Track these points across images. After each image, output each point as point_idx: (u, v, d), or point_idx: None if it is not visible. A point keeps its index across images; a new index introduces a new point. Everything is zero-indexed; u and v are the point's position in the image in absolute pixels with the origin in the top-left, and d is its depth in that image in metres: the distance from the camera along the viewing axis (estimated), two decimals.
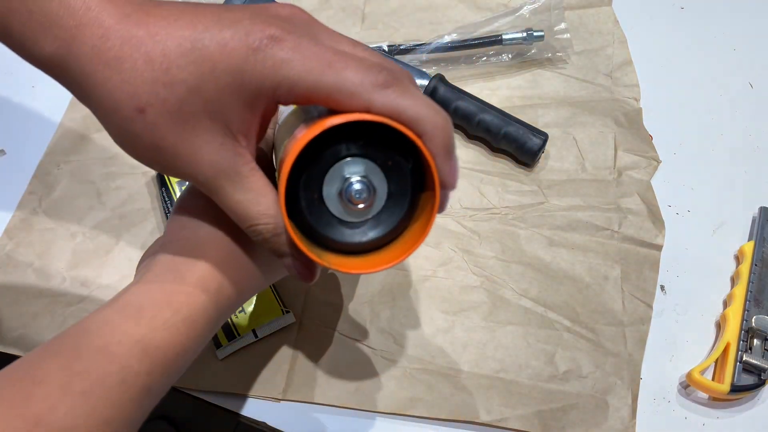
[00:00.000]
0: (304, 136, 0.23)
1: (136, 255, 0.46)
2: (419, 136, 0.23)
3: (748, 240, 0.46)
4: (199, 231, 0.30)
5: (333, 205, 0.25)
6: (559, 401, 0.40)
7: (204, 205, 0.30)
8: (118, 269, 0.46)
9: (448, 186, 0.25)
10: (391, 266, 0.25)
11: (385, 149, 0.24)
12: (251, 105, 0.24)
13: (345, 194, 0.24)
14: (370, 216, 0.25)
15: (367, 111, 0.23)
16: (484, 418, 0.39)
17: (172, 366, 0.27)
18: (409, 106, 0.23)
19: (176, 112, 0.23)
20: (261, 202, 0.26)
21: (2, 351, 0.42)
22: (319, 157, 0.24)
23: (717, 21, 0.58)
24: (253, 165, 0.26)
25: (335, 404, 0.40)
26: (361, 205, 0.24)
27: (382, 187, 0.25)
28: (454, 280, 0.45)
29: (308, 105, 0.27)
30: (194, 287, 0.28)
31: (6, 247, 0.47)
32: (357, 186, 0.24)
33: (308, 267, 0.28)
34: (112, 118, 0.24)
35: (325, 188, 0.25)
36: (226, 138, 0.25)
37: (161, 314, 0.27)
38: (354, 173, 0.24)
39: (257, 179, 0.26)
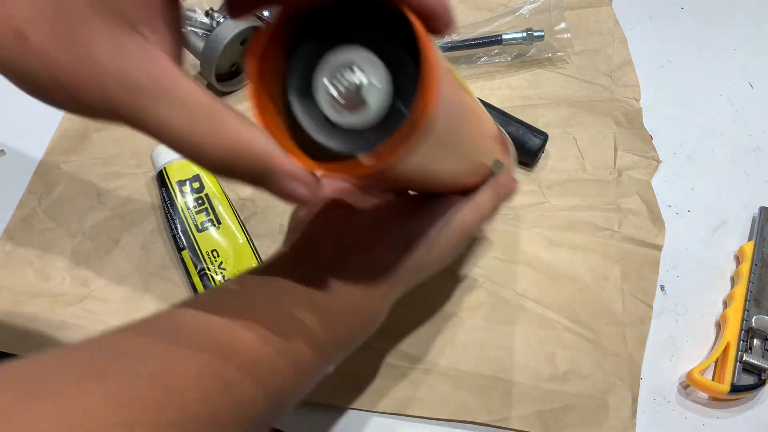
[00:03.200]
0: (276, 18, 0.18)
1: (136, 255, 0.46)
2: None
3: (748, 240, 0.46)
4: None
5: (326, 106, 0.20)
6: (559, 401, 0.40)
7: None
8: (118, 269, 0.46)
9: (434, 14, 0.19)
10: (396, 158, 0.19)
11: (384, 32, 0.19)
12: None
13: (332, 88, 0.19)
14: (372, 120, 0.20)
15: None
16: (484, 418, 0.39)
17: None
18: None
19: (56, 19, 0.17)
20: (196, 114, 0.18)
21: (2, 351, 0.42)
22: (301, 45, 0.20)
23: (717, 21, 0.58)
24: (171, 66, 0.19)
25: (335, 404, 0.40)
26: (350, 101, 0.19)
27: (383, 82, 0.19)
28: (455, 280, 0.44)
29: None
30: (383, 299, 0.28)
31: (6, 246, 0.47)
32: (342, 78, 0.19)
33: (298, 176, 0.20)
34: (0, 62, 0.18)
35: (314, 85, 0.20)
36: (124, 36, 0.18)
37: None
38: (341, 63, 0.19)
39: (184, 84, 0.18)
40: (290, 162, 0.19)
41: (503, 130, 0.38)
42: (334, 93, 0.19)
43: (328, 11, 0.19)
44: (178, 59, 0.20)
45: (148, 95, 0.18)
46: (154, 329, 0.23)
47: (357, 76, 0.19)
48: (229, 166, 0.19)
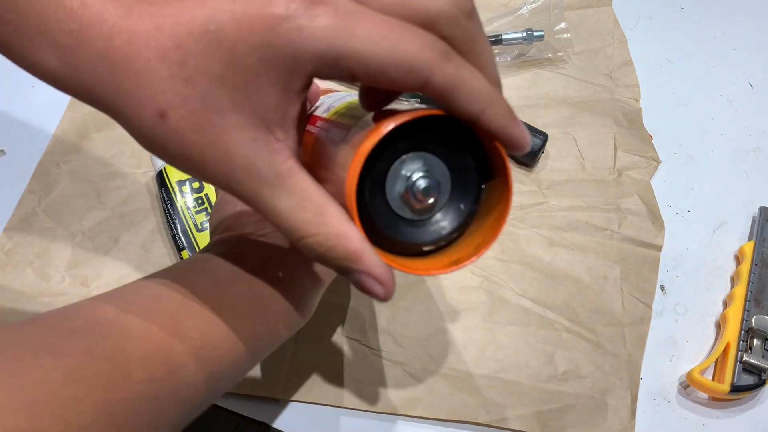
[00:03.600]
0: (369, 137, 0.21)
1: (136, 255, 0.46)
2: (479, 114, 0.21)
3: (748, 240, 0.46)
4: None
5: (397, 206, 0.23)
6: (558, 401, 0.40)
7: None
8: (117, 269, 0.46)
9: (522, 147, 0.22)
10: (472, 262, 0.23)
11: (444, 138, 0.22)
12: (285, 86, 0.20)
13: (411, 193, 0.22)
14: (436, 212, 0.23)
15: (424, 87, 0.20)
16: (483, 418, 0.39)
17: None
18: (468, 81, 0.20)
19: (200, 110, 0.20)
20: (307, 207, 0.22)
21: None
22: (378, 156, 0.22)
23: (717, 21, 0.58)
24: (293, 163, 0.22)
25: (335, 404, 0.40)
26: (430, 200, 0.22)
27: (445, 180, 0.23)
28: (454, 280, 0.44)
29: (348, 94, 0.25)
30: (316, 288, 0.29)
31: (5, 246, 0.47)
32: (422, 183, 0.22)
33: (382, 279, 0.23)
34: (134, 127, 0.21)
35: (387, 189, 0.22)
36: (258, 133, 0.21)
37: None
38: (416, 170, 0.22)
39: (300, 180, 0.22)
40: (376, 262, 0.22)
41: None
42: (411, 196, 0.22)
43: (411, 124, 0.22)
44: (298, 154, 0.23)
45: (267, 184, 0.21)
46: (106, 309, 0.24)
47: (430, 182, 0.22)
48: (324, 255, 0.22)
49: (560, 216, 0.47)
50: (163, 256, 0.46)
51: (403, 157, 0.22)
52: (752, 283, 0.43)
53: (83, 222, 0.48)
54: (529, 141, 0.22)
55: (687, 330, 0.43)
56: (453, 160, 0.23)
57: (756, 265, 0.44)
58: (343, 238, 0.22)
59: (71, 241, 0.47)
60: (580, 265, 0.45)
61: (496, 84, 0.22)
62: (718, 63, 0.56)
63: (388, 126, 0.21)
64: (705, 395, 0.41)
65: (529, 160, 0.49)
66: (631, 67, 0.55)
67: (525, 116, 0.50)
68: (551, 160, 0.50)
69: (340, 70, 0.20)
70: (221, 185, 0.22)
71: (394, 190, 0.22)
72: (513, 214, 0.47)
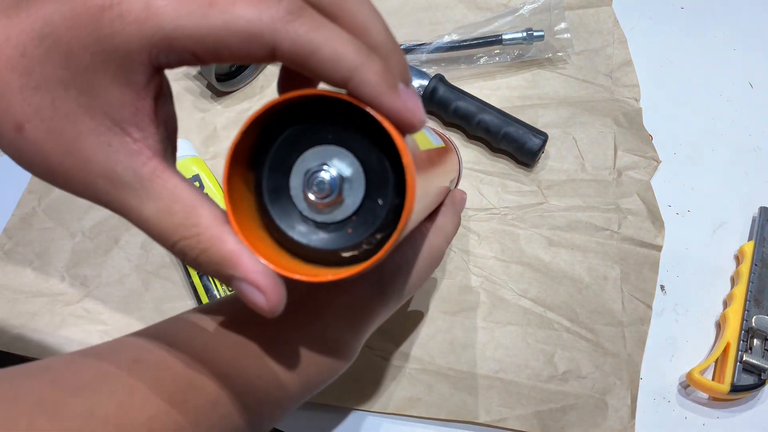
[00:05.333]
0: (250, 117, 0.19)
1: (136, 255, 0.46)
2: (346, 82, 0.18)
3: (748, 240, 0.46)
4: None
5: (304, 208, 0.21)
6: (558, 401, 0.40)
7: None
8: (117, 269, 0.46)
9: (408, 122, 0.19)
10: (366, 267, 0.20)
11: (350, 126, 0.20)
12: (128, 81, 0.19)
13: (310, 191, 0.20)
14: (353, 213, 0.20)
15: (275, 56, 0.18)
16: (483, 418, 0.39)
17: None
18: (326, 43, 0.18)
19: (53, 119, 0.19)
20: (175, 210, 0.20)
21: (1, 350, 0.42)
22: (274, 152, 0.20)
23: (717, 21, 0.58)
24: (157, 163, 0.20)
25: (335, 404, 0.40)
26: (331, 197, 0.20)
27: (357, 174, 0.20)
28: (454, 280, 0.44)
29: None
30: (356, 334, 0.27)
31: (5, 246, 0.47)
32: (318, 178, 0.20)
33: (262, 286, 0.20)
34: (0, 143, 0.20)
35: (292, 190, 0.20)
36: (112, 136, 0.19)
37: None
38: (315, 165, 0.20)
39: (166, 181, 0.20)
40: (252, 267, 0.20)
41: (447, 137, 0.38)
42: (310, 195, 0.20)
43: (302, 115, 0.20)
44: (167, 154, 0.21)
45: (130, 190, 0.19)
46: (119, 358, 0.22)
47: (330, 175, 0.20)
48: (198, 260, 0.20)
49: (560, 216, 0.47)
50: (163, 256, 0.46)
51: (307, 152, 0.20)
52: (752, 283, 0.43)
53: (83, 222, 0.48)
54: (420, 115, 0.19)
55: (687, 330, 0.43)
56: (363, 150, 0.20)
57: (756, 265, 0.44)
58: (217, 240, 0.20)
59: (71, 241, 0.47)
60: (580, 265, 0.45)
61: (380, 47, 0.20)
62: (718, 63, 0.56)
63: (266, 107, 0.19)
64: (705, 395, 0.41)
65: (529, 160, 0.49)
66: (631, 67, 0.55)
67: (525, 116, 0.50)
68: (551, 160, 0.50)
69: (179, 54, 0.18)
70: (89, 197, 0.20)
71: (298, 190, 0.20)
72: (513, 214, 0.47)
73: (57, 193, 0.49)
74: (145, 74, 0.19)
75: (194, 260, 0.20)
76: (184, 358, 0.23)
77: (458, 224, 0.35)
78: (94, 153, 0.19)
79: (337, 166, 0.20)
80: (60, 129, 0.19)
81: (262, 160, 0.21)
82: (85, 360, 0.22)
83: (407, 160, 0.19)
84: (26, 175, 0.50)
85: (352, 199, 0.20)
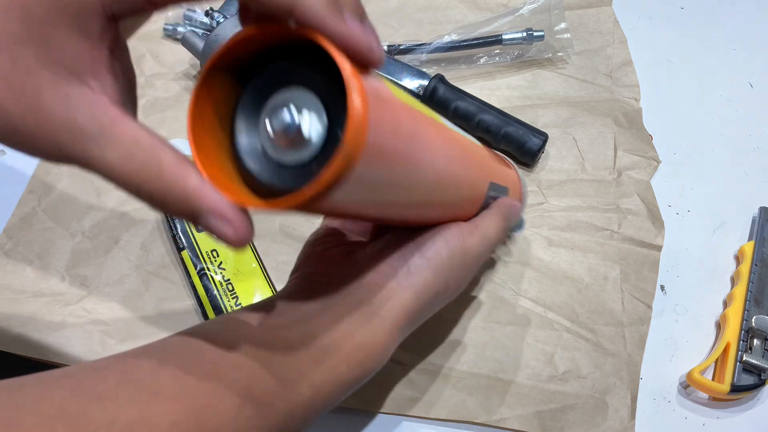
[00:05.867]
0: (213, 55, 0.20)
1: (136, 255, 0.46)
2: (290, 8, 0.18)
3: (748, 240, 0.46)
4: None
5: (272, 150, 0.21)
6: (558, 401, 0.40)
7: None
8: (117, 269, 0.46)
9: (360, 50, 0.19)
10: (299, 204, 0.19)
11: (313, 65, 0.20)
12: (83, 32, 0.19)
13: (275, 131, 0.20)
14: (312, 156, 0.20)
15: None
16: (483, 418, 0.39)
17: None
18: None
19: (12, 76, 0.19)
20: (137, 154, 0.20)
21: (1, 350, 0.42)
22: (250, 86, 0.21)
23: (717, 21, 0.58)
24: (116, 111, 0.20)
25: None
26: (293, 135, 0.20)
27: (320, 119, 0.20)
28: None
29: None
30: (388, 332, 0.27)
31: (5, 246, 0.47)
32: (279, 117, 0.20)
33: (228, 216, 0.20)
34: None
35: (261, 132, 0.21)
36: (71, 86, 0.20)
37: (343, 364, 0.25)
38: (278, 105, 0.20)
39: (126, 127, 0.20)
40: (217, 200, 0.20)
41: (517, 171, 0.40)
42: (272, 133, 0.21)
43: (272, 55, 0.21)
44: (126, 102, 0.22)
45: (92, 139, 0.20)
46: (141, 365, 0.22)
47: (291, 115, 0.20)
48: (165, 202, 0.20)
49: (560, 216, 0.47)
50: (163, 256, 0.46)
51: (274, 93, 0.21)
52: (752, 283, 0.43)
53: (83, 222, 0.48)
54: (374, 46, 0.19)
55: (687, 330, 0.43)
56: (323, 86, 0.20)
57: (756, 265, 0.44)
58: (180, 178, 0.20)
59: (71, 241, 0.47)
60: (580, 265, 0.45)
61: None
62: (718, 63, 0.56)
63: (227, 45, 0.19)
64: (705, 395, 0.41)
65: (529, 160, 0.49)
66: (631, 67, 0.55)
67: (525, 116, 0.50)
68: (551, 160, 0.50)
69: (131, 1, 0.19)
70: (54, 154, 0.20)
71: (264, 130, 0.21)
72: None
73: (57, 193, 0.49)
74: (99, 24, 0.20)
75: (161, 202, 0.20)
76: (211, 359, 0.23)
77: (502, 231, 0.33)
78: (55, 106, 0.19)
79: (300, 103, 0.20)
80: (20, 86, 0.19)
81: (230, 101, 0.21)
82: (109, 365, 0.22)
83: (346, 68, 0.19)
84: (26, 175, 0.50)
85: (317, 137, 0.20)
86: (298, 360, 0.25)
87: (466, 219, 0.32)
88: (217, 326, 0.25)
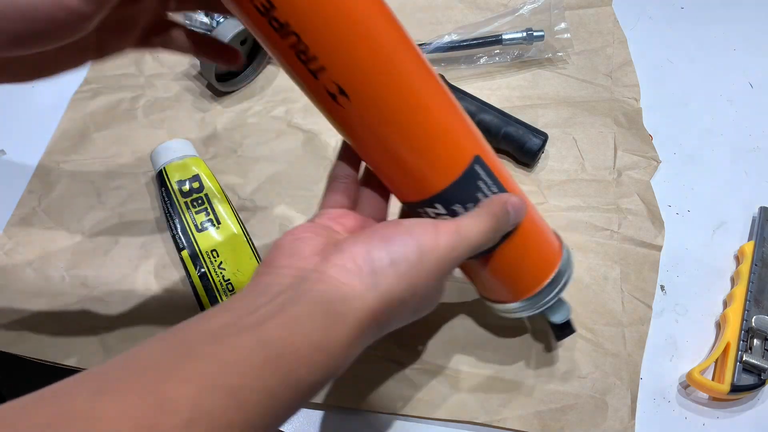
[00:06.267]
0: None
1: (136, 254, 0.46)
2: None
3: (748, 240, 0.46)
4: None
5: None
6: (558, 401, 0.40)
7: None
8: (117, 269, 0.46)
9: None
10: None
11: None
12: None
13: None
14: None
15: None
16: (483, 418, 0.39)
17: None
18: None
19: None
20: None
21: (1, 350, 0.42)
22: None
23: (717, 21, 0.58)
24: None
25: (335, 404, 0.40)
26: None
27: None
28: (454, 281, 0.44)
29: None
30: (350, 334, 0.25)
31: (5, 246, 0.47)
32: None
33: None
34: None
35: None
36: None
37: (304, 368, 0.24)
38: None
39: None
40: None
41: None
42: None
43: None
44: None
45: None
46: (79, 393, 0.21)
47: None
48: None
49: (560, 216, 0.47)
50: (163, 256, 0.46)
51: None
52: (752, 283, 0.43)
53: (83, 222, 0.48)
54: None
55: (687, 330, 0.43)
56: None
57: (756, 265, 0.44)
58: None
59: (71, 241, 0.47)
60: (580, 265, 0.45)
61: None
62: (718, 63, 0.56)
63: None
64: (705, 395, 0.41)
65: (529, 160, 0.49)
66: (631, 67, 0.55)
67: (525, 116, 0.50)
68: (551, 160, 0.50)
69: None
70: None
71: None
72: None
73: (57, 193, 0.49)
74: None
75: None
76: (154, 378, 0.21)
77: (490, 233, 0.30)
78: None
79: None
80: None
81: None
82: (44, 397, 0.21)
83: None
84: (26, 175, 0.50)
85: None
86: (251, 368, 0.23)
87: (439, 188, 0.30)
88: (161, 344, 0.24)
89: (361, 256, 0.27)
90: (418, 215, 0.32)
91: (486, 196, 0.31)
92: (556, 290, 0.35)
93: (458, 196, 0.30)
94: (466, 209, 0.31)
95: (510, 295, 0.35)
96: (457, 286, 0.44)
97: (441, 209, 0.31)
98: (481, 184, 0.31)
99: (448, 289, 0.44)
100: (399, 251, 0.27)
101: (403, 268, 0.27)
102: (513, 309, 0.35)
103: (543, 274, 0.34)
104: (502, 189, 0.32)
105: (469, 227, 0.29)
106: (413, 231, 0.28)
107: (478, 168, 0.30)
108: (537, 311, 0.35)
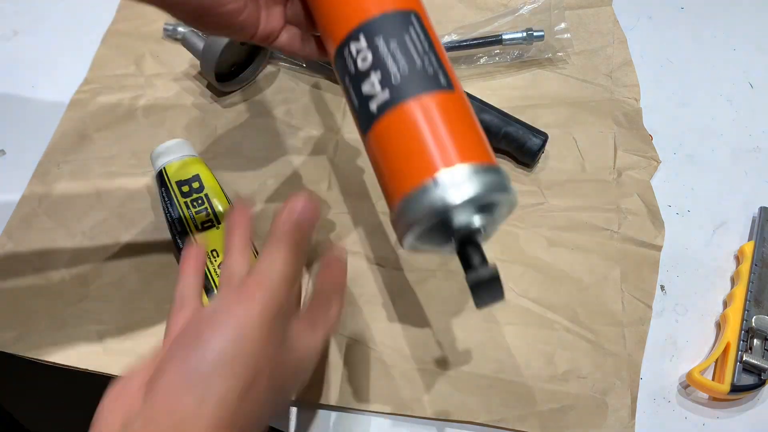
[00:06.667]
0: None
1: (136, 254, 0.46)
2: None
3: (748, 240, 0.46)
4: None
5: None
6: (558, 401, 0.40)
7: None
8: (117, 269, 0.46)
9: None
10: None
11: None
12: None
13: None
14: None
15: None
16: (483, 418, 0.39)
17: None
18: None
19: None
20: None
21: (1, 350, 0.42)
22: None
23: (717, 21, 0.58)
24: None
25: (335, 404, 0.40)
26: None
27: None
28: (454, 280, 0.44)
29: None
30: None
31: (5, 246, 0.47)
32: None
33: None
34: None
35: None
36: None
37: None
38: None
39: None
40: None
41: None
42: None
43: None
44: None
45: None
46: None
47: None
48: None
49: (560, 216, 0.47)
50: (163, 257, 0.46)
51: None
52: (752, 283, 0.43)
53: (83, 222, 0.48)
54: None
55: (687, 330, 0.43)
56: None
57: (756, 265, 0.44)
58: None
59: (71, 241, 0.47)
60: (580, 266, 0.45)
61: None
62: (718, 63, 0.56)
63: None
64: (705, 395, 0.41)
65: (529, 160, 0.49)
66: (631, 67, 0.55)
67: (525, 116, 0.50)
68: (551, 160, 0.50)
69: None
70: None
71: None
72: (513, 214, 0.47)
73: (57, 193, 0.49)
74: None
75: None
76: None
77: (294, 262, 0.27)
78: None
79: None
80: None
81: None
82: None
83: None
84: (26, 175, 0.50)
85: None
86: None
87: (371, 14, 0.28)
88: None
89: (183, 372, 0.25)
90: (337, 71, 0.30)
91: (415, 46, 0.28)
92: (458, 200, 0.26)
93: (386, 28, 0.28)
94: (389, 49, 0.27)
95: (391, 192, 0.27)
96: (458, 287, 0.44)
97: (363, 44, 0.28)
98: (412, 30, 0.28)
99: (448, 290, 0.44)
100: (213, 354, 0.25)
101: (228, 368, 0.24)
102: (393, 219, 0.27)
103: (432, 165, 0.26)
104: (432, 46, 0.28)
105: (268, 269, 0.27)
106: (217, 322, 0.25)
107: (413, 19, 0.29)
108: (439, 242, 0.28)
